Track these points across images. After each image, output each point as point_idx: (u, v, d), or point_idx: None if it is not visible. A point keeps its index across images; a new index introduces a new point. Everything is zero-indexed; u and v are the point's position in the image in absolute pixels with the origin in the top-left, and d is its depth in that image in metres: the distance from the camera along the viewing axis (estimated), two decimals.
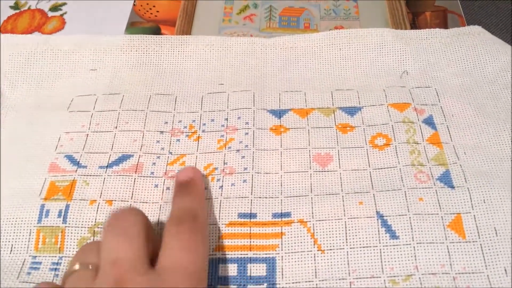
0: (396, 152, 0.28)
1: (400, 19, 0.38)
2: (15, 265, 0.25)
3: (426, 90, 0.32)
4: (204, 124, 0.31)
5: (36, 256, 0.26)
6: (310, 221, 0.26)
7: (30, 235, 0.26)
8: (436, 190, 0.27)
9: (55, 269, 0.25)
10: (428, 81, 0.32)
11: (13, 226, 0.27)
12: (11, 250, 0.26)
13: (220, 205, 0.27)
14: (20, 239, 0.26)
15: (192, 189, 0.26)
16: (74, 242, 0.26)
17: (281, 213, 0.27)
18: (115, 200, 0.27)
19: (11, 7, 0.41)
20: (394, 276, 0.24)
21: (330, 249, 0.25)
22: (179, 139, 0.30)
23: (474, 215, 0.26)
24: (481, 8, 0.39)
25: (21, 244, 0.26)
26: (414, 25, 0.37)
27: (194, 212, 0.24)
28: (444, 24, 0.37)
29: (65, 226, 0.26)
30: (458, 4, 0.39)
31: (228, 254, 0.25)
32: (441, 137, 0.29)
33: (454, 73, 0.33)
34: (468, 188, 0.27)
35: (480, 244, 0.25)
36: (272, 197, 0.27)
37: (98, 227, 0.26)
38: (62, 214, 0.27)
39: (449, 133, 0.29)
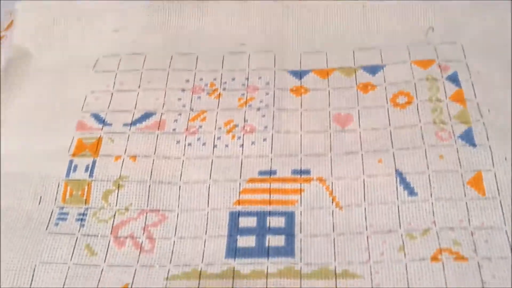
0: (418, 110, 0.28)
1: None
2: (43, 216, 0.27)
3: (452, 46, 0.31)
4: (225, 82, 0.31)
5: (63, 207, 0.27)
6: (329, 179, 0.26)
7: (58, 188, 0.28)
8: (457, 148, 0.26)
9: (81, 219, 0.26)
10: (454, 37, 0.31)
11: (42, 179, 0.28)
12: (39, 202, 0.27)
13: (241, 164, 0.27)
14: (49, 191, 0.28)
15: None
16: (99, 194, 0.27)
17: (301, 170, 0.27)
18: (139, 156, 0.28)
19: None
20: (412, 231, 0.24)
21: (348, 206, 0.26)
22: (200, 96, 0.31)
23: (494, 173, 0.25)
24: None
25: (50, 196, 0.27)
26: None
27: None
28: None
29: (92, 180, 0.28)
30: None
31: (248, 208, 0.26)
32: (465, 94, 0.28)
33: (481, 29, 0.32)
34: (490, 146, 0.26)
35: (500, 201, 0.25)
36: (291, 155, 0.28)
37: (123, 181, 0.27)
38: (89, 169, 0.28)
39: (474, 90, 0.29)
